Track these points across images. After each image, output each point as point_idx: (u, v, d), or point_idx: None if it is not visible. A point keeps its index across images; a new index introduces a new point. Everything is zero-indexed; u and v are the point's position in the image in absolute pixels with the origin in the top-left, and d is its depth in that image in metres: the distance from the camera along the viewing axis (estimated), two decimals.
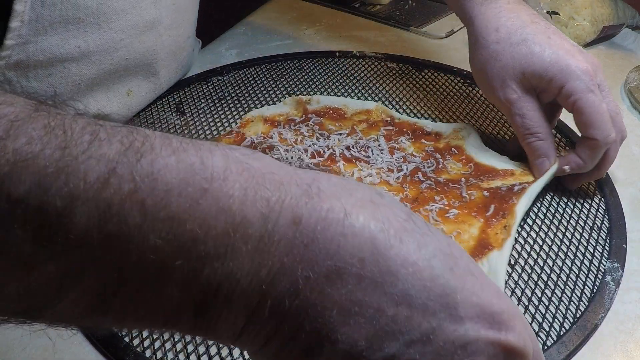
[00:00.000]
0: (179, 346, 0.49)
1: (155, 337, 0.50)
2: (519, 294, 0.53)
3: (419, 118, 0.75)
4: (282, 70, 0.88)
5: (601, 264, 0.56)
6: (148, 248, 0.25)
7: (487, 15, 0.65)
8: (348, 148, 0.67)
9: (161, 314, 0.27)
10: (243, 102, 0.81)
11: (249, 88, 0.84)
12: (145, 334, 0.50)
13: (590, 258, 0.57)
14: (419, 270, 0.28)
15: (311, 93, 0.83)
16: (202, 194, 0.26)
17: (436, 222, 0.57)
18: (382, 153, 0.67)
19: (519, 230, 0.60)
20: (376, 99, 0.81)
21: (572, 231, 0.60)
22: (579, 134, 0.61)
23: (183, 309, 0.27)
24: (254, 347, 0.29)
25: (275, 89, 0.84)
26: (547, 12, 0.92)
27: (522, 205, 0.57)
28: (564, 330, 0.50)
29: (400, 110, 0.78)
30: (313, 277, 0.27)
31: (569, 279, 0.54)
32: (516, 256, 0.57)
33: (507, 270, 0.55)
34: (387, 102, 0.80)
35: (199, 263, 0.26)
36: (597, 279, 0.54)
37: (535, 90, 0.62)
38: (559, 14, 0.93)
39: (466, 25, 0.69)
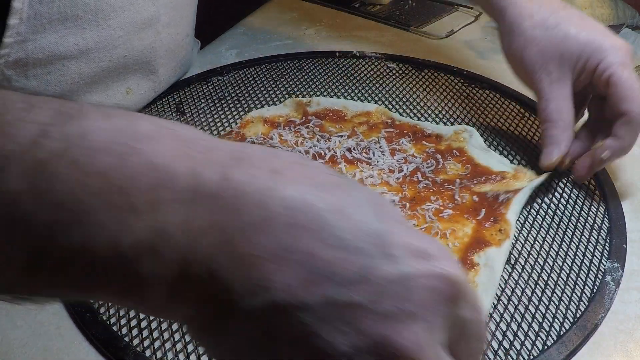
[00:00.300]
0: (179, 346, 0.49)
1: (155, 336, 0.50)
2: (519, 294, 0.53)
3: (419, 119, 0.75)
4: (282, 71, 0.88)
5: (601, 264, 0.56)
6: (79, 203, 0.26)
7: (519, 3, 0.66)
8: (349, 150, 0.67)
9: (90, 277, 0.27)
10: (243, 102, 0.81)
11: (249, 88, 0.84)
12: (145, 333, 0.50)
13: (590, 258, 0.57)
14: (349, 215, 0.28)
15: (311, 93, 0.83)
16: (130, 152, 0.27)
17: (431, 221, 0.58)
18: (383, 154, 0.67)
19: (519, 229, 0.60)
20: (376, 99, 0.81)
21: (572, 231, 0.60)
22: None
23: (116, 267, 0.27)
24: (189, 310, 0.28)
25: (276, 89, 0.84)
26: None
27: (512, 214, 0.58)
28: (564, 330, 0.50)
29: (401, 111, 0.78)
30: (244, 227, 0.27)
31: (569, 278, 0.54)
32: (516, 256, 0.57)
33: (507, 270, 0.55)
34: (387, 103, 0.80)
35: (130, 217, 0.26)
36: (597, 279, 0.54)
37: (572, 73, 0.62)
38: None
39: (496, 16, 0.70)
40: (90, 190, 0.26)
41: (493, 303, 0.52)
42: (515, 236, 0.59)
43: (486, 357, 0.48)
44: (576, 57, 0.62)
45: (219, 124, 0.76)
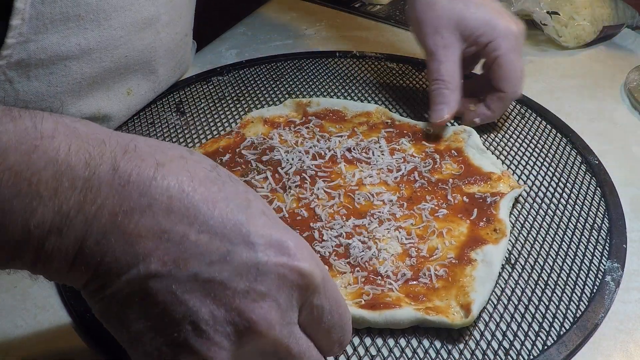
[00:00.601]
0: None
1: None
2: (519, 294, 0.53)
3: (419, 119, 0.75)
4: (282, 71, 0.88)
5: (601, 264, 0.56)
6: None
7: None
8: (349, 150, 0.67)
9: (7, 250, 0.33)
10: (243, 102, 0.81)
11: (249, 88, 0.84)
12: None
13: (590, 258, 0.57)
14: (218, 207, 0.34)
15: (311, 94, 0.83)
16: (33, 149, 0.32)
17: (428, 220, 0.58)
18: (382, 154, 0.67)
19: (519, 229, 0.60)
20: (376, 99, 0.81)
21: (572, 231, 0.60)
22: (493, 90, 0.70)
23: (27, 243, 0.32)
24: (84, 277, 0.34)
25: (276, 89, 0.84)
26: (547, 12, 0.92)
27: (504, 215, 0.58)
28: (564, 330, 0.50)
29: (401, 111, 0.78)
30: (129, 211, 0.33)
31: (569, 278, 0.55)
32: (516, 256, 0.57)
33: (507, 270, 0.56)
34: (387, 103, 0.81)
35: (34, 203, 0.32)
36: (597, 279, 0.55)
37: (462, 42, 0.69)
38: (559, 14, 0.93)
39: None
40: (3, 182, 0.31)
41: (493, 303, 0.52)
42: (515, 236, 0.59)
43: (486, 357, 0.48)
44: (470, 30, 0.68)
45: (219, 124, 0.76)
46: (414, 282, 0.53)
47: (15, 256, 0.33)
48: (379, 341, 0.50)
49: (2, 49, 0.56)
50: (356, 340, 0.50)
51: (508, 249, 0.58)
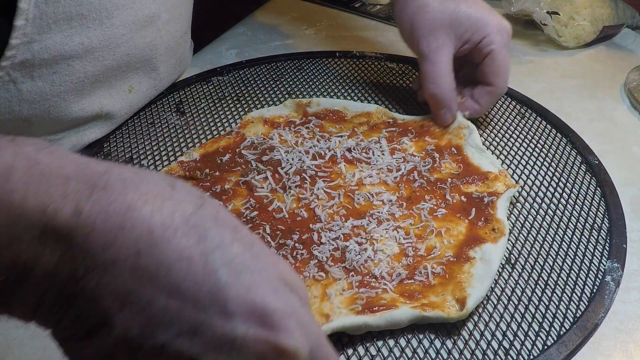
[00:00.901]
0: None
1: None
2: (519, 294, 0.53)
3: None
4: (282, 71, 0.88)
5: (601, 264, 0.56)
6: None
7: None
8: (349, 150, 0.67)
9: None
10: (243, 102, 0.81)
11: (249, 88, 0.84)
12: None
13: (590, 258, 0.57)
14: (193, 264, 0.29)
15: (311, 94, 0.83)
16: None
17: (427, 220, 0.58)
18: (383, 154, 0.67)
19: (519, 229, 0.60)
20: (376, 99, 0.81)
21: (572, 231, 0.60)
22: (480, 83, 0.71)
23: None
24: (48, 326, 0.31)
25: (276, 89, 0.84)
26: (547, 12, 0.92)
27: (501, 214, 0.58)
28: (564, 330, 0.50)
29: (401, 111, 0.78)
30: (91, 267, 0.29)
31: (569, 278, 0.55)
32: (516, 256, 0.57)
33: (507, 270, 0.56)
34: (387, 103, 0.81)
35: None
36: (597, 279, 0.55)
37: (456, 41, 0.70)
38: (559, 14, 0.93)
39: None
40: None
41: (493, 302, 0.52)
42: (515, 236, 0.59)
43: (486, 357, 0.48)
44: (464, 28, 0.69)
45: (219, 124, 0.76)
46: (410, 281, 0.53)
47: None
48: (379, 342, 0.50)
49: (6, 50, 0.57)
50: (356, 340, 0.50)
51: (508, 249, 0.58)
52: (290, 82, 0.85)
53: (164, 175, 0.33)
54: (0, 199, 0.28)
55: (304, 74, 0.88)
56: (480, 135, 0.72)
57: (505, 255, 0.57)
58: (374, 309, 0.49)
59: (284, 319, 0.30)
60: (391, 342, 0.50)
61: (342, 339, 0.50)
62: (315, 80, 0.86)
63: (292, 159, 0.65)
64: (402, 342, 0.50)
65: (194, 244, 0.30)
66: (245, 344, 0.29)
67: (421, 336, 0.50)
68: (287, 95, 0.82)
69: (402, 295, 0.51)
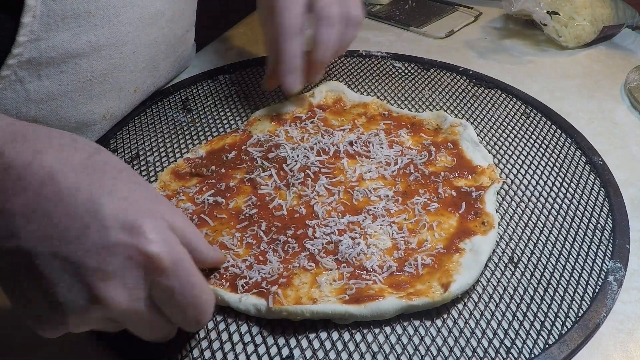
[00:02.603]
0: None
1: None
2: (522, 293, 0.54)
3: (416, 112, 0.76)
4: None
5: (604, 264, 0.56)
6: None
7: None
8: (351, 143, 0.69)
9: None
10: (250, 100, 0.81)
11: (256, 86, 0.85)
12: None
13: (593, 258, 0.57)
14: (80, 192, 0.39)
15: None
16: None
17: (420, 214, 0.59)
18: (382, 147, 0.68)
19: (522, 227, 0.60)
20: (378, 94, 0.82)
21: (576, 231, 0.60)
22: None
23: None
24: None
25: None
26: (547, 12, 0.92)
27: (490, 208, 0.59)
28: (566, 329, 0.50)
29: (402, 106, 0.79)
30: (8, 190, 0.38)
31: (572, 278, 0.55)
32: (519, 254, 0.57)
33: (510, 269, 0.56)
34: (389, 98, 0.81)
35: None
36: (600, 279, 0.55)
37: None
38: (559, 14, 0.93)
39: None
40: None
41: (495, 301, 0.53)
42: (518, 234, 0.59)
43: (487, 355, 0.48)
44: None
45: (224, 122, 0.77)
46: (399, 273, 0.54)
47: None
48: (381, 338, 0.51)
49: (13, 48, 0.57)
50: (346, 336, 0.51)
51: (511, 247, 0.58)
52: None
53: (70, 133, 0.43)
54: None
55: None
56: (485, 134, 0.72)
57: (508, 254, 0.57)
58: (364, 298, 0.50)
59: (152, 231, 0.40)
60: (393, 339, 0.50)
61: (328, 325, 0.51)
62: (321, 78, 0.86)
63: (298, 156, 0.66)
64: (405, 339, 0.50)
65: (84, 179, 0.39)
66: (116, 249, 0.38)
67: (421, 333, 0.50)
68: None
69: (390, 286, 0.52)
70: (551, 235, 0.59)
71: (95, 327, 0.42)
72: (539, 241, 0.59)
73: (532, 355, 0.48)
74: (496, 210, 0.62)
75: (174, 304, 0.42)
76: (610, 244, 0.58)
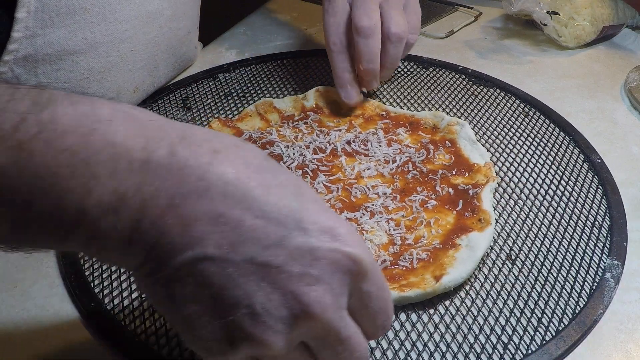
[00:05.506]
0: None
1: (158, 326, 0.50)
2: (519, 289, 0.53)
3: (415, 109, 0.76)
4: (289, 68, 0.89)
5: (601, 261, 0.56)
6: (52, 174, 0.32)
7: None
8: (349, 142, 0.69)
9: (62, 229, 0.33)
10: (249, 98, 0.81)
11: (255, 85, 0.85)
12: (148, 324, 0.50)
13: (590, 255, 0.57)
14: (272, 193, 0.35)
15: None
16: (91, 132, 0.32)
17: (418, 211, 0.59)
18: (380, 146, 0.68)
19: (520, 225, 0.60)
20: (380, 96, 0.82)
21: (574, 228, 0.60)
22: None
23: (83, 223, 0.33)
24: (139, 258, 0.34)
25: (282, 85, 0.85)
26: (547, 12, 0.92)
27: (487, 206, 0.59)
28: (563, 326, 0.50)
29: (402, 105, 0.79)
30: (186, 194, 0.33)
31: (569, 275, 0.55)
32: (517, 251, 0.57)
33: (507, 265, 0.56)
34: (388, 97, 0.81)
35: (91, 183, 0.32)
36: (597, 276, 0.55)
37: None
38: (559, 14, 0.93)
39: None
40: (60, 163, 0.32)
41: (492, 297, 0.53)
42: (516, 232, 0.59)
43: (485, 351, 0.48)
44: None
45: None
46: (393, 267, 0.54)
47: (69, 235, 0.33)
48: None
49: (8, 43, 0.57)
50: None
51: (509, 245, 0.58)
52: (297, 80, 0.86)
53: (231, 135, 0.38)
54: (105, 139, 0.33)
55: (310, 71, 0.88)
56: (484, 133, 0.72)
57: (506, 251, 0.57)
58: None
59: (349, 235, 0.36)
60: (390, 335, 0.50)
61: None
62: (321, 77, 0.86)
63: (293, 154, 0.66)
64: (402, 335, 0.50)
65: (271, 178, 0.35)
66: (321, 252, 0.34)
67: (420, 329, 0.50)
68: (292, 93, 0.82)
69: None
70: (549, 232, 0.59)
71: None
72: (537, 238, 0.59)
73: (529, 352, 0.48)
74: (494, 207, 0.62)
75: (369, 311, 0.38)
76: (607, 241, 0.58)
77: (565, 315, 0.51)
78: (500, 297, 0.53)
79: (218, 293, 0.33)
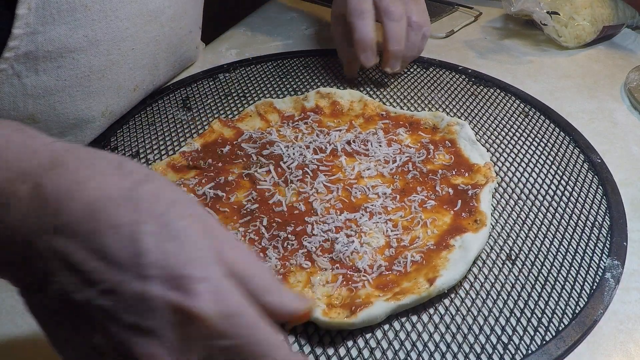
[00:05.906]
0: None
1: None
2: (519, 289, 0.53)
3: (415, 109, 0.76)
4: (289, 68, 0.89)
5: (601, 261, 0.56)
6: None
7: None
8: (349, 142, 0.69)
9: None
10: (249, 98, 0.81)
11: (255, 85, 0.85)
12: None
13: (590, 255, 0.57)
14: (120, 232, 0.33)
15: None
16: None
17: (416, 211, 0.59)
18: (380, 146, 0.68)
19: (520, 225, 0.60)
20: (380, 97, 0.82)
21: (574, 228, 0.60)
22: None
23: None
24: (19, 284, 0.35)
25: (282, 85, 0.85)
26: (547, 12, 0.92)
27: (485, 207, 0.59)
28: (563, 326, 0.50)
29: (402, 105, 0.79)
30: (41, 230, 0.33)
31: (569, 275, 0.55)
32: (517, 251, 0.57)
33: (507, 266, 0.56)
34: (388, 97, 0.81)
35: None
36: (597, 276, 0.55)
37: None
38: (559, 14, 0.93)
39: None
40: None
41: (492, 298, 0.53)
42: (516, 232, 0.59)
43: (485, 351, 0.48)
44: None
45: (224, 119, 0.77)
46: (387, 272, 0.53)
47: None
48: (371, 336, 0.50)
49: (9, 40, 0.57)
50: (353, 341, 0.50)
51: (509, 244, 0.58)
52: (296, 79, 0.86)
53: (116, 155, 0.38)
54: None
55: (309, 71, 0.88)
56: (484, 133, 0.72)
57: (506, 251, 0.57)
58: (352, 307, 0.50)
59: (195, 284, 0.33)
60: (391, 335, 0.50)
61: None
62: (321, 77, 0.86)
63: (293, 154, 0.66)
64: (402, 335, 0.50)
65: (126, 214, 0.34)
66: (156, 305, 0.32)
67: (420, 330, 0.50)
68: (292, 92, 0.82)
69: (377, 288, 0.52)
70: (549, 232, 0.59)
71: None
72: (537, 238, 0.59)
73: (529, 352, 0.48)
74: (494, 207, 0.62)
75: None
76: (607, 241, 0.58)
77: (565, 315, 0.51)
78: (500, 297, 0.53)
79: (69, 327, 0.34)
